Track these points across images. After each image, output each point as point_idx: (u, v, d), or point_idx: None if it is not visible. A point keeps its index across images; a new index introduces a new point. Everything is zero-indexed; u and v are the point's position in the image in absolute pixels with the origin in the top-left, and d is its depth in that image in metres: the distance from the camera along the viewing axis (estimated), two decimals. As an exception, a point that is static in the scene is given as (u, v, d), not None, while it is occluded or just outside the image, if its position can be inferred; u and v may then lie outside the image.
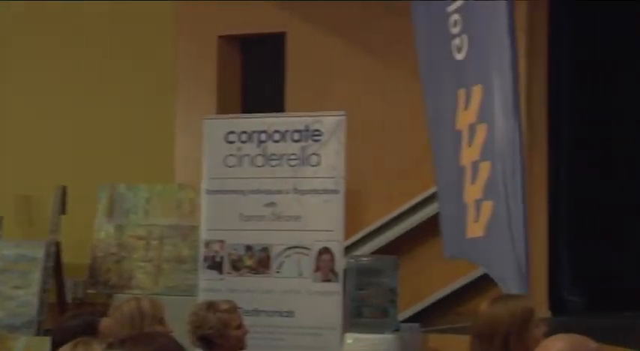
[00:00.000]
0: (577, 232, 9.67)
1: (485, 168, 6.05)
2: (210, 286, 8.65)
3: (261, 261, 8.63)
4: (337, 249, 8.43)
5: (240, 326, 5.11)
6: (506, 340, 3.65)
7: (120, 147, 10.48)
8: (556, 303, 9.17)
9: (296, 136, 8.66)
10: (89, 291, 10.00)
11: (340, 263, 8.38)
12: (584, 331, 3.50)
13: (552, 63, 9.35)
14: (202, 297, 8.16)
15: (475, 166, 6.16)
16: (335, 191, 8.45)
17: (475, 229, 6.18)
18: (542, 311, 8.47)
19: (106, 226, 10.07)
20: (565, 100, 9.64)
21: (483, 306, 3.79)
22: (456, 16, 6.42)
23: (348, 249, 9.01)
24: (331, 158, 8.51)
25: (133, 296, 5.42)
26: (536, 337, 3.57)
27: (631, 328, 8.55)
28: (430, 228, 8.21)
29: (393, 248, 9.14)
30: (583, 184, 9.86)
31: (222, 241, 8.75)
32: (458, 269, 8.73)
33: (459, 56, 6.40)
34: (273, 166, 8.69)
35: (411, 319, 8.86)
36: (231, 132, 8.84)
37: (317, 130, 8.59)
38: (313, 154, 8.58)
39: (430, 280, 9.14)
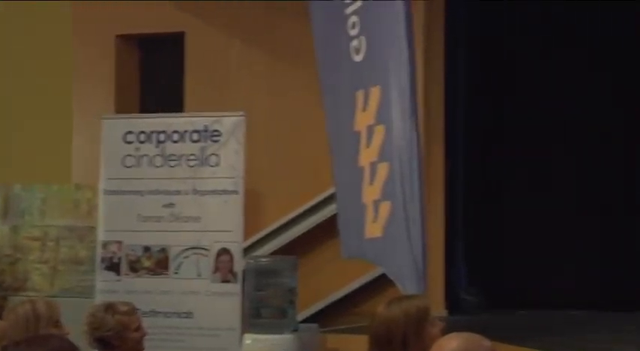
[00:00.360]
0: (473, 233, 9.80)
1: (383, 169, 6.09)
2: (107, 288, 8.55)
3: (159, 262, 8.57)
4: (236, 250, 8.42)
5: (138, 328, 5.06)
6: (404, 341, 3.67)
7: (15, 147, 10.30)
8: (452, 302, 9.28)
9: (195, 137, 8.61)
10: (-17, 293, 9.82)
11: (239, 264, 8.37)
12: (479, 329, 3.54)
13: (449, 63, 9.46)
14: (99, 299, 8.06)
15: (373, 167, 6.20)
16: (234, 192, 8.43)
17: (373, 230, 6.22)
18: (439, 310, 8.57)
19: (1, 227, 9.90)
20: (462, 100, 9.76)
21: (379, 309, 3.81)
22: (354, 18, 6.45)
23: (248, 250, 9.00)
24: (230, 159, 8.49)
25: (28, 298, 5.35)
26: (433, 335, 3.60)
27: (525, 326, 8.70)
28: (329, 228, 8.24)
29: (292, 249, 9.15)
30: (480, 185, 10.00)
31: (119, 242, 8.67)
32: (357, 269, 8.78)
33: (358, 58, 6.43)
34: (172, 167, 8.63)
35: (310, 320, 8.89)
36: (130, 132, 8.76)
37: (216, 131, 8.57)
38: (212, 154, 8.55)
39: (329, 281, 9.17)
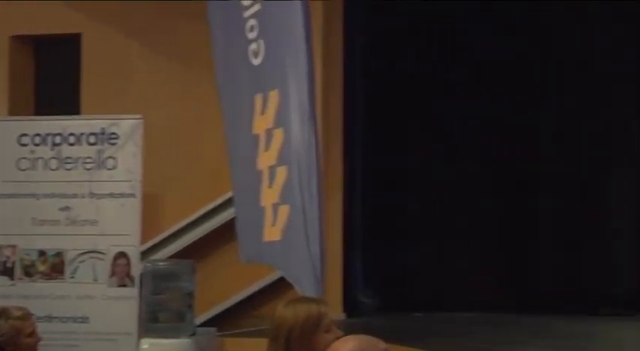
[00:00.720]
0: (371, 236, 9.86)
1: (282, 172, 6.10)
2: (1, 293, 8.39)
3: (54, 266, 8.45)
4: (133, 253, 8.35)
5: (32, 333, 4.99)
6: (287, 341, 3.70)
7: None
8: (350, 304, 9.34)
9: (92, 139, 8.52)
10: None
11: (136, 268, 8.30)
12: (376, 331, 3.57)
13: (348, 65, 9.51)
14: (-7, 304, 7.92)
15: (272, 170, 6.21)
16: (131, 195, 8.36)
17: (272, 233, 6.23)
18: (337, 313, 8.61)
19: None
20: (361, 102, 9.81)
21: (278, 307, 3.84)
22: (252, 21, 6.45)
23: (145, 253, 8.93)
24: (128, 162, 8.42)
25: None
26: (327, 341, 3.62)
27: (421, 328, 8.79)
28: (229, 232, 8.22)
29: (191, 252, 9.11)
30: (378, 188, 10.07)
31: (14, 246, 8.52)
32: (256, 272, 8.78)
33: (256, 61, 6.43)
34: (68, 170, 8.52)
35: (209, 323, 8.86)
36: (24, 134, 8.62)
37: (113, 134, 8.48)
38: (109, 157, 8.46)
39: (228, 284, 9.15)
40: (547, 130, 10.29)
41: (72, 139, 8.55)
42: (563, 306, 9.63)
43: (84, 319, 8.33)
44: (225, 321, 9.08)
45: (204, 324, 8.79)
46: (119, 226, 8.35)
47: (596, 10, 9.82)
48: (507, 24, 9.98)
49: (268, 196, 6.27)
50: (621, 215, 10.03)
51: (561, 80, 10.20)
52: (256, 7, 6.42)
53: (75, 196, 8.46)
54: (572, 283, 9.99)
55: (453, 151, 10.20)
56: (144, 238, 8.68)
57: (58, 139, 8.57)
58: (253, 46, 6.44)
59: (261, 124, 6.36)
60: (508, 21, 9.97)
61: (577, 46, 10.04)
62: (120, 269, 8.33)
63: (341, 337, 3.60)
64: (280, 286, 8.18)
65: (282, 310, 3.78)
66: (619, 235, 10.00)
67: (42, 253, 8.48)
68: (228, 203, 8.61)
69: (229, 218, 8.40)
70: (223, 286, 9.13)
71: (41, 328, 5.18)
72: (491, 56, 10.06)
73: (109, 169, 8.45)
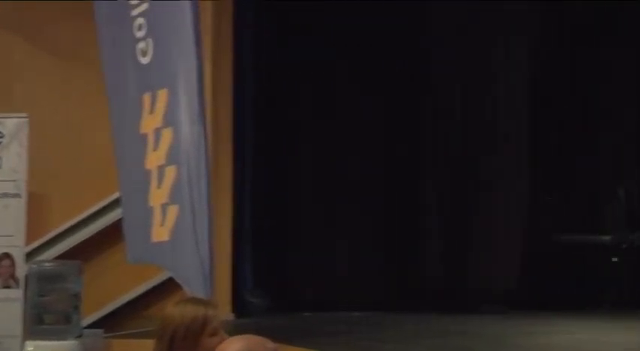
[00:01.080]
0: (260, 236, 9.87)
1: (171, 172, 6.07)
2: None
3: None
4: (18, 254, 8.19)
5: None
6: (172, 341, 3.70)
7: None
8: (239, 305, 9.33)
9: (-25, 139, 8.34)
10: None
11: (21, 269, 8.15)
12: (265, 331, 3.58)
13: (238, 64, 9.50)
14: None
15: (161, 170, 6.17)
16: (16, 195, 8.21)
17: (161, 233, 6.19)
18: (226, 313, 8.59)
19: None
20: (250, 100, 9.81)
21: (166, 307, 3.82)
22: (140, 20, 6.39)
23: (31, 254, 8.78)
24: (12, 161, 8.26)
25: None
26: (211, 345, 3.62)
27: (309, 328, 8.83)
28: (117, 232, 8.13)
29: (78, 253, 8.98)
30: (268, 188, 10.08)
31: None
32: (145, 273, 8.71)
33: (144, 60, 6.38)
34: (-51, 169, 8.32)
35: (96, 325, 8.75)
36: None
37: (-2, 132, 8.32)
38: (-6, 156, 8.30)
39: (117, 285, 9.06)
40: (431, 131, 10.44)
41: (-46, 138, 8.37)
42: (446, 304, 9.81)
43: (-33, 322, 8.16)
44: (113, 322, 8.98)
45: (92, 325, 8.68)
46: (3, 227, 8.18)
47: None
48: (392, 19, 10.10)
49: (157, 196, 6.22)
50: (502, 216, 10.23)
51: (441, 78, 10.39)
52: (144, 6, 6.37)
53: (-43, 195, 8.28)
54: (455, 282, 10.17)
55: (343, 151, 10.26)
56: (30, 239, 8.53)
57: (-60, 138, 8.37)
58: (141, 45, 6.39)
59: (150, 123, 6.31)
60: (393, 16, 10.08)
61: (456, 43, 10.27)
62: (4, 270, 8.17)
63: (225, 339, 3.60)
64: (169, 286, 8.12)
65: (170, 310, 3.77)
66: (500, 236, 10.20)
67: None
68: (115, 203, 8.51)
69: (117, 218, 8.31)
70: (111, 287, 9.03)
71: None
72: (379, 51, 10.17)
73: (-6, 169, 8.28)
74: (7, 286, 8.17)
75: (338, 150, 10.26)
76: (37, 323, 7.78)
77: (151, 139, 6.31)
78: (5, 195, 8.22)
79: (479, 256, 10.22)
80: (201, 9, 6.10)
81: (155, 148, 6.25)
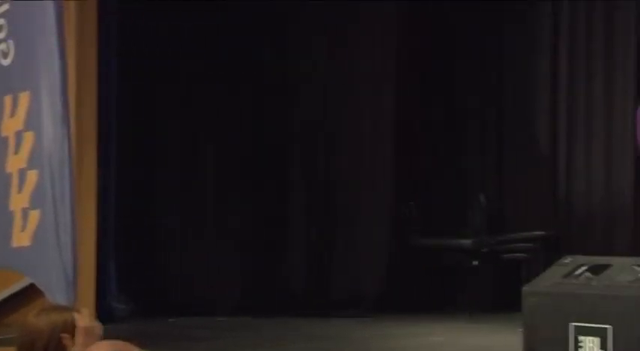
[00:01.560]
0: (126, 241, 9.77)
1: (32, 176, 5.96)
2: None
3: None
4: None
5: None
6: (36, 350, 3.65)
7: None
8: (104, 311, 9.20)
9: None
10: None
11: None
12: (130, 337, 3.55)
13: (102, 68, 9.38)
14: None
15: (22, 174, 6.05)
16: None
17: (21, 239, 6.07)
18: (90, 319, 8.46)
19: None
20: (115, 106, 9.70)
21: (29, 317, 3.75)
22: (1, 21, 6.26)
23: None
24: None
25: None
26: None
27: (175, 333, 8.79)
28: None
29: None
30: (131, 191, 9.98)
31: None
32: (4, 280, 8.52)
33: (5, 62, 6.25)
34: None
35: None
36: None
37: None
38: None
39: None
40: (299, 132, 10.50)
41: None
42: (311, 309, 9.89)
43: None
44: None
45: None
46: None
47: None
48: (255, 18, 10.15)
49: (17, 200, 6.10)
50: (366, 221, 10.35)
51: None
52: (5, 7, 6.24)
53: None
54: (320, 286, 10.24)
55: (209, 152, 10.22)
56: None
57: None
58: (2, 47, 6.25)
59: (11, 126, 6.18)
60: (257, 14, 10.12)
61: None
62: None
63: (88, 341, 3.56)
64: (30, 293, 7.96)
65: (32, 318, 3.71)
66: (364, 240, 10.31)
67: None
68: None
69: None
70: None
71: None
72: (248, 53, 10.21)
73: None
74: None
75: (204, 151, 10.22)
76: None
77: (11, 142, 6.18)
78: None
79: (343, 261, 10.33)
80: (65, 9, 6.01)
81: (16, 152, 6.13)
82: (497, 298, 10.31)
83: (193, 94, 10.24)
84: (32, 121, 5.99)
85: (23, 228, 6.03)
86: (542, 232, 10.34)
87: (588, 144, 10.35)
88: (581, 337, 4.84)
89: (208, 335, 8.60)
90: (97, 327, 3.73)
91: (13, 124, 6.16)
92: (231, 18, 10.13)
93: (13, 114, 6.17)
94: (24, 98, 6.06)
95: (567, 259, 5.28)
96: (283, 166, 10.47)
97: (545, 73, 10.65)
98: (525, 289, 5.18)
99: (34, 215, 5.93)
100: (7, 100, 6.22)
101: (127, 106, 9.92)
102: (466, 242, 10.50)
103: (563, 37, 10.51)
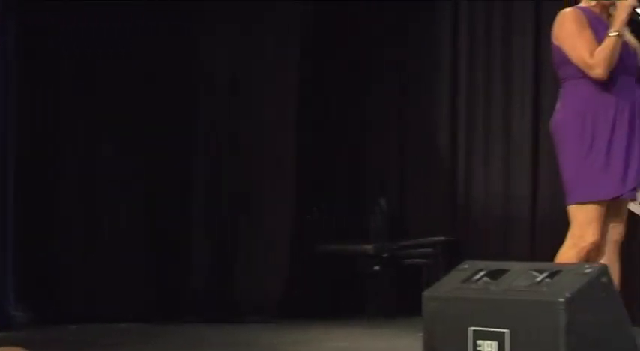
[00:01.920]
0: (23, 247, 9.61)
1: None
2: None
3: None
4: None
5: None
6: None
7: None
8: (1, 318, 9.07)
9: None
10: None
11: None
12: (29, 345, 3.52)
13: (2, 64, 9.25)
14: None
15: None
16: None
17: None
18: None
19: None
20: (14, 104, 9.52)
21: None
22: None
23: None
24: None
25: None
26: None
27: (75, 340, 8.70)
28: None
29: None
30: (31, 194, 9.81)
31: None
32: None
33: None
34: None
35: None
36: None
37: None
38: None
39: None
40: (203, 135, 10.45)
41: None
42: (214, 315, 9.87)
43: None
44: None
45: None
46: None
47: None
48: (164, 14, 10.11)
49: None
50: (268, 227, 10.35)
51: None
52: None
53: None
54: (223, 293, 10.22)
55: (110, 154, 10.09)
56: None
57: None
58: None
59: None
60: (166, 10, 10.08)
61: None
62: None
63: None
64: None
65: None
66: (267, 246, 10.32)
67: None
68: None
69: None
70: None
71: None
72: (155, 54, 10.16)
73: None
74: None
75: (104, 154, 10.09)
76: None
77: None
78: None
79: (246, 267, 10.31)
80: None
81: None
82: (400, 302, 10.40)
83: (97, 93, 10.07)
84: None
85: None
86: (443, 237, 10.46)
87: (487, 150, 10.52)
88: (479, 341, 4.91)
89: (108, 342, 8.52)
90: None
91: None
92: (135, 18, 10.02)
93: None
94: None
95: (466, 264, 5.34)
96: (187, 167, 10.40)
97: (447, 78, 10.81)
98: (425, 294, 5.23)
99: None
100: None
101: (27, 106, 9.72)
102: (368, 247, 10.58)
103: (463, 39, 10.71)
